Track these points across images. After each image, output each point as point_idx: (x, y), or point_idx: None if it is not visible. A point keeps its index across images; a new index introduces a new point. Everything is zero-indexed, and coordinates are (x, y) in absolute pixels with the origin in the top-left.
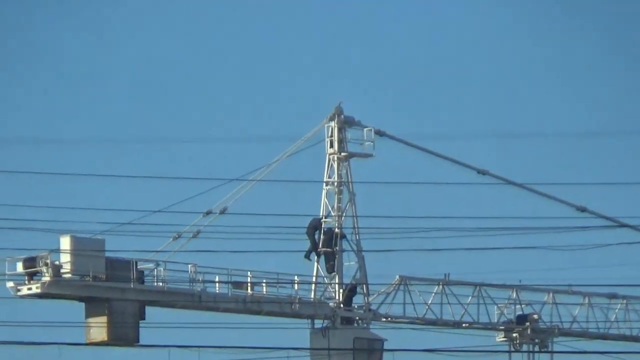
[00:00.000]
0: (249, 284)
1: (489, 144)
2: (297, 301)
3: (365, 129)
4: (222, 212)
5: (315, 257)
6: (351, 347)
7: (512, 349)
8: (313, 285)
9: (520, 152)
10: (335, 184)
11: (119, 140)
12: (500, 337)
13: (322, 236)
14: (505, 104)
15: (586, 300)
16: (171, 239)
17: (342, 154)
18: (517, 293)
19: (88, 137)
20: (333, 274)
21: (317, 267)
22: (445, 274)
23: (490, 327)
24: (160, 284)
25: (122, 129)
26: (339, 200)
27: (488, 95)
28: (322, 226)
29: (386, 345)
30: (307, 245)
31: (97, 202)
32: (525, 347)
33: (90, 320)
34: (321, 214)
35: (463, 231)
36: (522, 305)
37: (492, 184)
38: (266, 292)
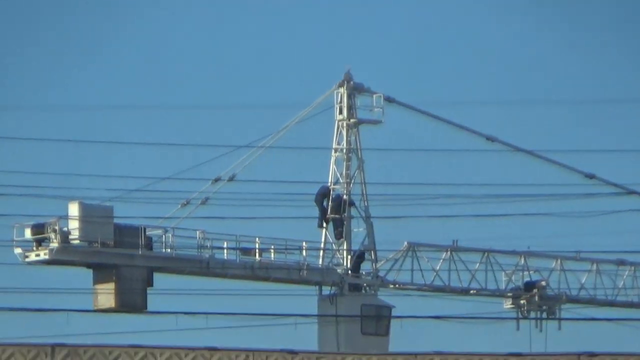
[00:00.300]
0: (257, 251)
1: (498, 110)
2: (305, 268)
3: (374, 96)
4: (231, 179)
5: (324, 224)
6: (359, 314)
7: (520, 316)
8: (321, 252)
9: (529, 119)
10: (344, 150)
11: (128, 107)
12: (508, 304)
13: (330, 203)
14: (514, 71)
15: (594, 267)
16: (180, 206)
17: (351, 120)
18: (525, 260)
19: (97, 104)
20: (341, 240)
21: (325, 234)
22: (453, 241)
23: (498, 294)
24: (169, 250)
25: (131, 95)
26: (348, 167)
27: (497, 62)
28: (331, 193)
29: (394, 312)
30: (315, 212)
31: (106, 168)
32: (532, 314)
33: (98, 287)
34: (330, 180)
35: (471, 198)
36: (530, 272)
37: (501, 151)
38: (274, 258)
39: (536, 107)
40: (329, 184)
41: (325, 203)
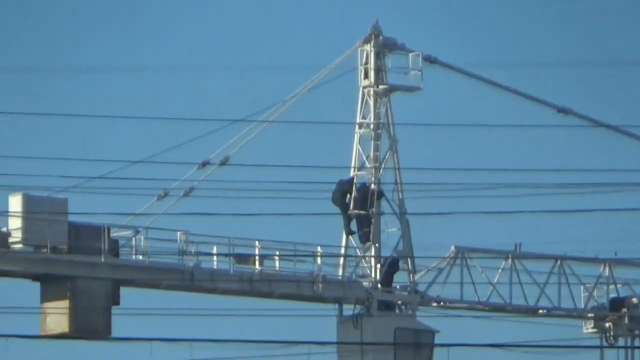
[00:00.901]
0: (256, 258)
1: (573, 75)
2: (320, 280)
3: (410, 55)
4: (223, 163)
5: (345, 222)
6: (392, 340)
7: (605, 343)
8: (342, 259)
9: (612, 85)
10: (372, 126)
11: (90, 70)
12: (588, 328)
13: (353, 194)
14: (593, 26)
15: None
16: (155, 199)
17: (381, 87)
18: (610, 269)
19: (50, 64)
20: (368, 244)
21: (348, 236)
22: (515, 245)
23: (576, 314)
24: (140, 257)
25: (96, 55)
26: (377, 148)
27: (569, 12)
28: (355, 182)
29: (438, 339)
30: (333, 208)
31: (59, 150)
32: (621, 341)
33: (47, 305)
34: (353, 165)
35: (539, 188)
36: (618, 286)
37: (576, 127)
38: (279, 268)
39: (620, 70)
40: (352, 175)
41: (348, 200)
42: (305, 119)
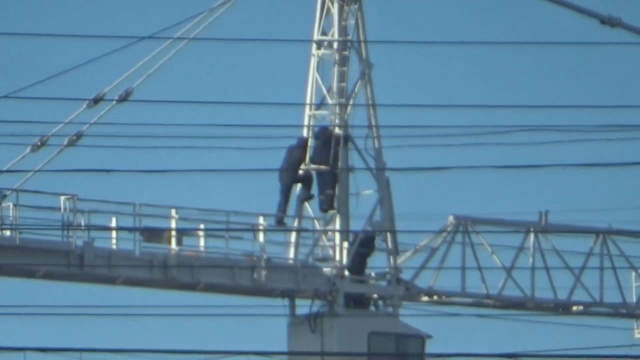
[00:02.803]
0: (172, 233)
1: None
2: (262, 265)
3: None
4: (124, 98)
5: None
6: (365, 349)
7: None
8: (293, 235)
9: None
10: (335, 45)
11: None
12: None
13: (311, 144)
14: None
15: None
16: (28, 149)
17: None
18: None
19: None
20: (331, 213)
21: (302, 203)
22: (540, 214)
23: (624, 311)
24: (9, 233)
25: None
26: (342, 77)
27: None
28: (310, 123)
29: (430, 347)
30: (279, 158)
31: None
32: None
33: None
34: (307, 104)
35: (574, 131)
36: None
37: (626, 44)
38: (205, 247)
39: None
40: (306, 107)
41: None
42: (239, 35)
